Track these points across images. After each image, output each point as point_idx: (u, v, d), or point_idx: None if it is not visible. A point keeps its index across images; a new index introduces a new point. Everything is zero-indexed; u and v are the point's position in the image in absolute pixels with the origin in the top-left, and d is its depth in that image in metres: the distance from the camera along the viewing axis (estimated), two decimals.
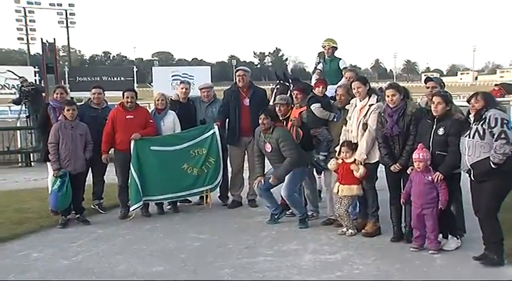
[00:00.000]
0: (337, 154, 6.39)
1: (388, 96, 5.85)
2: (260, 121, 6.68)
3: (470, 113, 5.24)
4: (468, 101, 5.30)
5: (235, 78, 7.92)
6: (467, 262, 5.27)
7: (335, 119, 6.75)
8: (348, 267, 5.31)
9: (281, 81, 7.64)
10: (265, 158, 6.98)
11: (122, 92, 7.59)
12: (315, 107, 6.78)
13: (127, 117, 7.32)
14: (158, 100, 7.61)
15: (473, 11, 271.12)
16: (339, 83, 7.31)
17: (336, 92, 6.85)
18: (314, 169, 7.14)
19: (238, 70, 7.96)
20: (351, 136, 6.30)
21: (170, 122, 7.59)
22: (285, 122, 7.00)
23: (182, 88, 7.99)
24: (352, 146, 6.26)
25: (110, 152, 7.50)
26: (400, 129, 5.77)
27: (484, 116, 5.04)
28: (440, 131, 5.43)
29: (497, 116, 4.99)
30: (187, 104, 7.97)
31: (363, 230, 6.28)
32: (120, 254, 5.88)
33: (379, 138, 5.98)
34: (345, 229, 6.36)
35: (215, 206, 7.93)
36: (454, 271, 5.12)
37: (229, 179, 8.08)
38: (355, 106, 6.30)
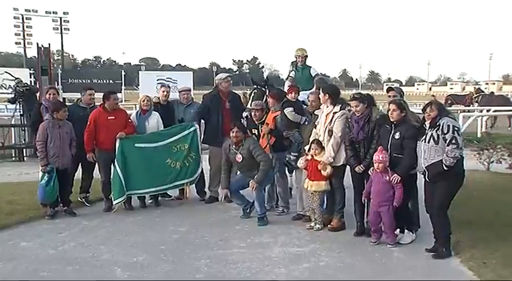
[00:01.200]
0: (306, 150, 6.34)
1: (353, 107, 5.86)
2: (233, 134, 6.57)
3: (425, 120, 5.29)
4: (423, 109, 5.36)
5: (219, 83, 7.78)
6: (420, 254, 5.31)
7: (306, 123, 6.70)
8: (314, 259, 5.26)
9: (258, 87, 7.54)
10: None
11: (103, 94, 7.40)
12: (288, 111, 6.76)
13: (109, 118, 7.14)
14: (143, 101, 7.46)
15: (428, 28, 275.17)
16: (310, 91, 7.26)
17: (307, 98, 6.82)
18: (286, 168, 7.05)
19: (227, 76, 7.88)
20: (320, 140, 6.26)
21: (154, 122, 7.45)
22: (260, 126, 6.95)
23: (163, 91, 7.92)
24: (322, 144, 6.20)
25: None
26: (365, 135, 5.77)
27: (438, 123, 5.11)
28: (397, 135, 5.45)
29: (450, 123, 5.09)
30: (167, 106, 7.86)
31: (329, 226, 6.22)
32: (103, 245, 5.74)
33: (346, 142, 5.96)
34: (312, 224, 6.29)
35: (193, 201, 7.81)
36: (410, 262, 5.14)
37: (209, 176, 7.95)
38: (323, 112, 6.28)
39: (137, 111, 7.63)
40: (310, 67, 8.54)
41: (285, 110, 6.79)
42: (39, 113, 7.31)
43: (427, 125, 5.25)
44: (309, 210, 6.45)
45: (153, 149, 7.31)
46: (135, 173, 7.22)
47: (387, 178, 5.47)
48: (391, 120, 5.53)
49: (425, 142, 5.21)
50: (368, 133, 5.77)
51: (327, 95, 6.22)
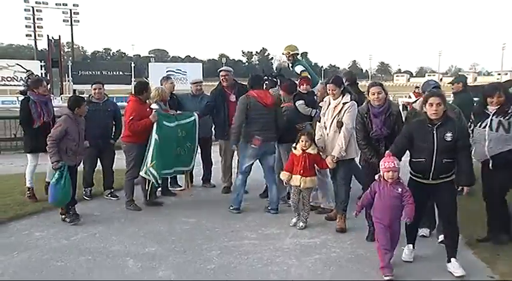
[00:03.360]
0: (294, 144, 6.00)
1: (373, 94, 5.15)
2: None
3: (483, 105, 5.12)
4: (488, 95, 5.06)
5: (220, 79, 7.81)
6: (432, 244, 5.24)
7: (317, 115, 6.61)
8: (326, 250, 5.26)
9: (269, 78, 7.60)
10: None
11: (139, 86, 7.20)
12: (299, 104, 6.73)
13: (148, 109, 6.92)
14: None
15: (440, 18, 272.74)
16: (319, 81, 7.21)
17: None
18: None
19: (221, 71, 7.89)
20: (325, 133, 5.95)
21: None
22: None
23: (171, 83, 7.96)
24: (312, 137, 5.98)
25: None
26: (389, 130, 5.16)
27: (509, 111, 4.93)
28: (449, 137, 4.48)
29: None
30: (172, 98, 7.87)
31: (336, 226, 5.87)
32: (115, 236, 5.78)
33: (361, 140, 5.34)
34: (295, 220, 6.08)
35: (203, 192, 7.84)
36: (421, 252, 5.05)
37: (220, 168, 8.01)
38: (329, 104, 5.97)
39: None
40: (298, 64, 8.23)
41: (296, 103, 6.74)
42: (28, 109, 7.07)
43: (490, 111, 5.01)
44: (294, 207, 6.09)
45: (170, 129, 7.05)
46: (163, 153, 6.90)
47: (399, 190, 4.58)
48: (434, 117, 4.54)
49: (491, 129, 4.95)
50: (391, 128, 5.18)
51: (342, 85, 5.93)
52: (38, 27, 50.03)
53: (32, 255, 5.16)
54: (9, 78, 27.64)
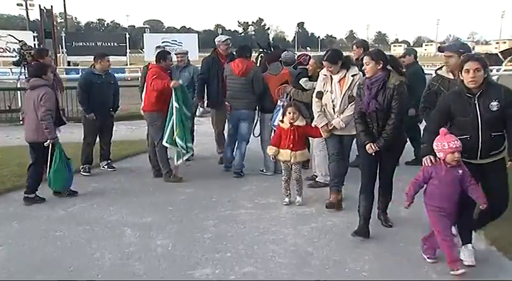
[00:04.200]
0: (280, 117, 5.85)
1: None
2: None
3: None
4: None
5: (218, 46, 7.62)
6: None
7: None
8: (321, 219, 5.33)
9: (264, 50, 7.67)
10: None
11: (161, 54, 6.97)
12: (303, 81, 6.53)
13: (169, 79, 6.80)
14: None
15: None
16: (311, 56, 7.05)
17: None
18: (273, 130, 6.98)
19: (227, 39, 7.71)
20: (334, 110, 5.52)
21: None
22: None
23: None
24: (299, 108, 5.76)
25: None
26: (378, 105, 4.54)
27: None
28: (495, 106, 3.84)
29: None
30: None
31: (328, 201, 5.65)
32: (112, 206, 5.83)
33: (355, 114, 4.84)
34: (287, 199, 5.83)
35: (200, 163, 7.87)
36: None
37: (214, 139, 8.02)
38: (332, 79, 5.55)
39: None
40: None
41: (300, 81, 6.54)
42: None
43: None
44: (285, 185, 5.85)
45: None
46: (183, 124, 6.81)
47: (460, 172, 3.95)
48: (473, 86, 3.89)
49: None
50: (383, 104, 4.55)
51: (339, 61, 5.48)
52: None
53: (30, 225, 5.22)
54: (1, 50, 27.29)
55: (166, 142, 6.67)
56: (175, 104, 6.57)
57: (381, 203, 5.05)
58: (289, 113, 5.67)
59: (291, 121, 5.69)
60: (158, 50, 7.25)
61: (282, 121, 5.83)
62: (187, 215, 5.50)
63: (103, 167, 7.58)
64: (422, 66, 8.67)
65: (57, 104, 6.30)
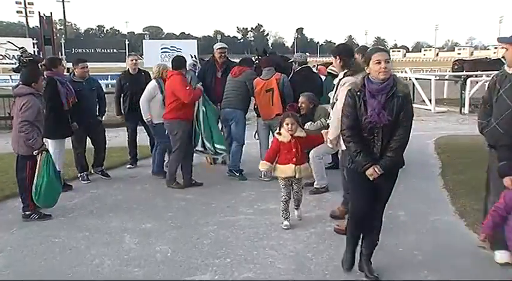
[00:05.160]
0: (277, 130, 5.31)
1: (378, 62, 3.59)
2: None
3: None
4: None
5: (216, 53, 7.82)
6: (426, 219, 5.33)
7: None
8: (321, 224, 5.33)
9: (259, 56, 7.92)
10: None
11: (177, 62, 6.82)
12: (308, 125, 6.41)
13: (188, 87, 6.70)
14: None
15: None
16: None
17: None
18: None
19: (222, 48, 7.89)
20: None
21: None
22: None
23: (132, 60, 7.92)
24: (297, 118, 5.28)
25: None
26: (390, 117, 3.58)
27: None
28: None
29: None
30: (138, 75, 7.89)
31: (331, 211, 5.45)
32: (112, 212, 5.84)
33: (346, 130, 3.76)
34: (287, 222, 5.24)
35: (199, 169, 7.86)
36: (415, 226, 5.14)
37: None
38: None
39: (158, 82, 7.23)
40: None
41: (306, 127, 6.08)
42: (56, 89, 6.55)
43: None
44: (284, 207, 5.26)
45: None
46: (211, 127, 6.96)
47: None
48: None
49: None
50: (393, 115, 3.60)
51: (333, 57, 5.04)
52: (28, 3, 49.14)
53: (29, 232, 5.22)
54: (0, 57, 27.30)
55: (197, 146, 6.82)
56: (202, 108, 6.75)
57: (366, 248, 4.08)
58: (288, 124, 5.14)
59: (291, 133, 5.18)
60: (176, 56, 7.18)
61: (279, 134, 5.26)
62: (186, 221, 5.50)
63: (96, 172, 7.48)
64: (421, 71, 8.71)
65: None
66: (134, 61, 7.85)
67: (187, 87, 6.61)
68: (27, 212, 5.59)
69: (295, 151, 5.14)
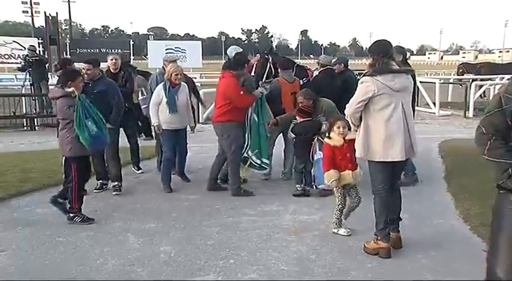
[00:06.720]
0: (326, 134, 5.14)
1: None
2: None
3: None
4: None
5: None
6: (429, 222, 5.32)
7: None
8: (324, 227, 5.32)
9: (261, 54, 7.80)
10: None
11: (237, 61, 6.53)
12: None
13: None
14: (176, 75, 6.73)
15: None
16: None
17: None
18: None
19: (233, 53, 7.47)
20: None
21: (184, 97, 6.86)
22: None
23: (111, 59, 7.34)
24: (346, 122, 4.84)
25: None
26: None
27: None
28: None
29: None
30: (117, 74, 7.29)
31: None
32: (116, 212, 5.86)
33: (488, 127, 2.97)
34: (343, 230, 5.08)
35: (203, 170, 7.85)
36: (419, 230, 5.13)
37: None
38: None
39: (164, 84, 6.75)
40: None
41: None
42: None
43: None
44: (341, 213, 5.08)
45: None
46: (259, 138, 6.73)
47: None
48: None
49: None
50: None
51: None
52: (34, 3, 49.39)
53: (34, 231, 5.24)
54: (6, 56, 27.39)
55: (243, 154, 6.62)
56: (253, 116, 6.55)
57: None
58: (339, 128, 4.89)
59: (343, 136, 4.89)
60: (235, 54, 6.97)
61: (329, 138, 5.01)
62: (190, 221, 5.51)
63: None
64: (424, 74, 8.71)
65: None
66: (114, 60, 7.33)
67: (241, 92, 6.31)
68: (71, 214, 5.51)
69: (349, 155, 4.84)
